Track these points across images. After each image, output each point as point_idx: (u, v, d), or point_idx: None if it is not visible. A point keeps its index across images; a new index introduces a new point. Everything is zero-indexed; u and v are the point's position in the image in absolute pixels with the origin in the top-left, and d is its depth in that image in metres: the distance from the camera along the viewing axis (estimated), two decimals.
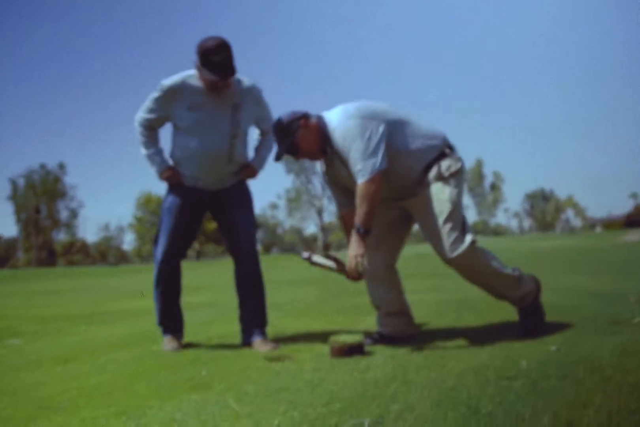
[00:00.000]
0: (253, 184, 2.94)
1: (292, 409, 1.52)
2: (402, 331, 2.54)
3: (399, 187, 2.40)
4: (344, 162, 2.33)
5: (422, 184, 2.36)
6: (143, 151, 2.70)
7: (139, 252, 58.58)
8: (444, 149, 2.38)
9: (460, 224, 2.32)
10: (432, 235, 2.34)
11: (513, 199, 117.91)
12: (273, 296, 5.91)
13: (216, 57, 2.42)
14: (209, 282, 9.44)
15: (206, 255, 57.85)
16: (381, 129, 2.26)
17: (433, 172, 2.35)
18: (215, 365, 2.28)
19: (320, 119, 2.40)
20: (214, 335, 3.19)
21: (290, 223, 69.60)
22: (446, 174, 2.34)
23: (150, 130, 2.70)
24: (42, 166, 57.86)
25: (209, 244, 56.31)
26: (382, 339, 2.51)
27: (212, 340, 3.04)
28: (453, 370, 1.84)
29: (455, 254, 2.27)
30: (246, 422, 1.45)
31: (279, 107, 2.64)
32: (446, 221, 2.30)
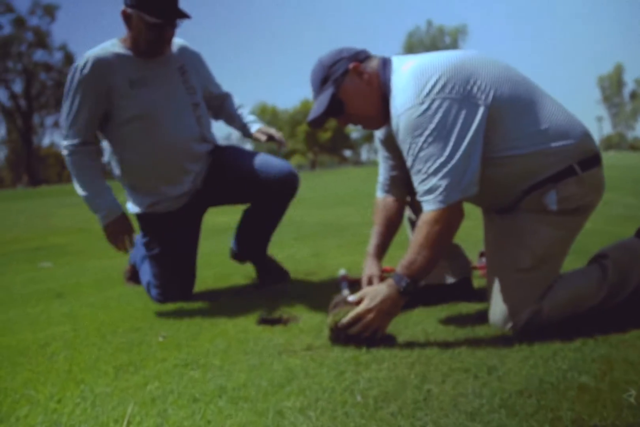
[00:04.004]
0: None
1: None
2: (455, 274, 1.78)
3: (485, 197, 1.47)
4: None
5: (519, 204, 1.43)
6: (80, 192, 1.95)
7: None
8: (574, 164, 1.38)
9: (531, 289, 1.40)
10: (491, 277, 1.49)
11: None
12: (351, 216, 5.27)
13: None
14: (309, 194, 8.91)
15: (321, 164, 58.92)
16: (479, 118, 1.31)
17: (534, 197, 1.40)
18: (188, 326, 1.71)
19: (385, 67, 1.45)
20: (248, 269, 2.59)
21: None
22: (554, 207, 1.38)
23: (85, 153, 1.94)
24: None
25: (323, 153, 57.08)
26: (422, 295, 1.67)
27: (230, 277, 2.49)
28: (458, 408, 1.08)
29: (507, 328, 1.42)
30: None
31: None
32: (512, 276, 1.42)
